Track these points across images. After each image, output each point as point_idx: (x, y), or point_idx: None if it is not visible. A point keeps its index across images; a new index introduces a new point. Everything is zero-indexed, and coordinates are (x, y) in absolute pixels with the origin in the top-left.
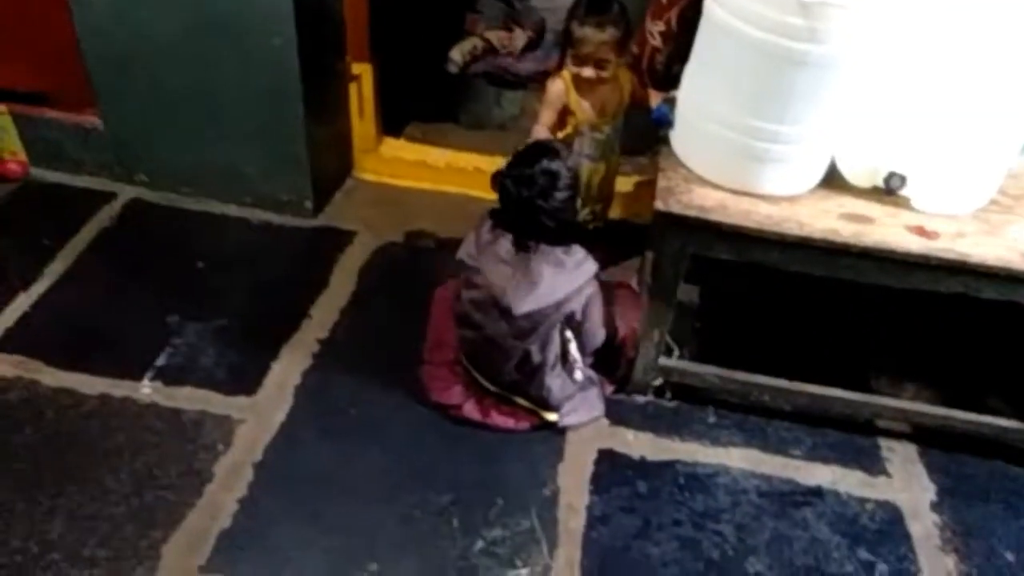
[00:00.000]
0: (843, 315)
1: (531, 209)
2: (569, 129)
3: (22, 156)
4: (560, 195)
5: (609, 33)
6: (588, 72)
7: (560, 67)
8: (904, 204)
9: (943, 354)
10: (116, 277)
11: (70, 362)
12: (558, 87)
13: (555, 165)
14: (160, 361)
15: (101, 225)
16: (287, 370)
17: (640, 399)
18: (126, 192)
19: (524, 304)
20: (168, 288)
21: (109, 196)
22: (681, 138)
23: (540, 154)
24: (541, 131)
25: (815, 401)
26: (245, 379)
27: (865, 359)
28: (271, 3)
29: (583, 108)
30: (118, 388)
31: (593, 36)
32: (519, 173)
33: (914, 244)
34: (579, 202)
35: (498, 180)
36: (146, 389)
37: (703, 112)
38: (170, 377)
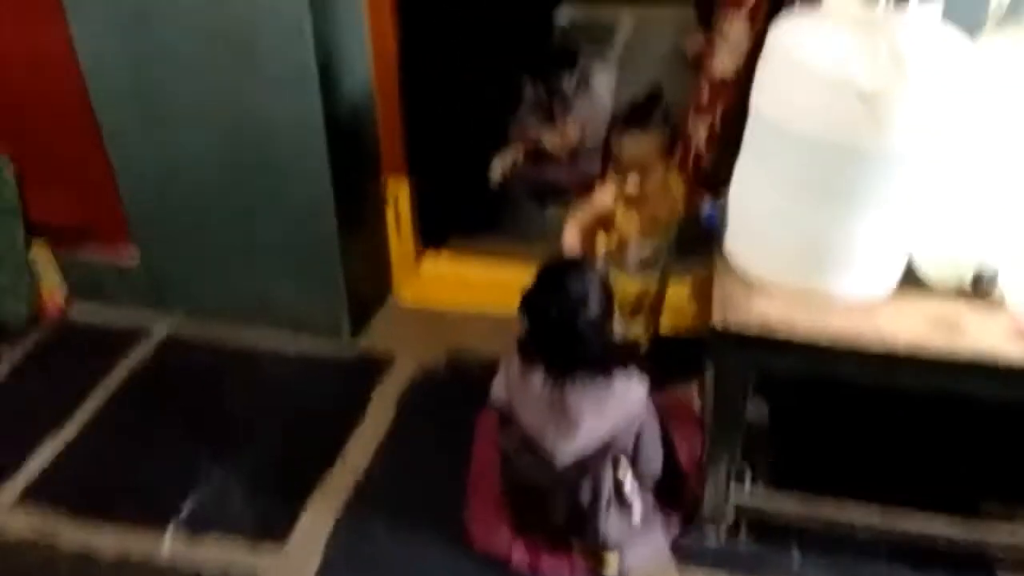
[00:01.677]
0: (938, 429)
1: (563, 333)
2: (611, 245)
3: (61, 293)
4: (592, 313)
5: (649, 142)
6: (633, 184)
7: (604, 175)
8: (997, 305)
9: None
10: (147, 418)
11: (92, 515)
12: (605, 197)
13: (584, 281)
14: (185, 510)
15: (135, 363)
16: (319, 517)
17: (711, 539)
18: (162, 326)
19: (566, 451)
20: (199, 428)
21: (145, 331)
22: (736, 243)
23: (565, 271)
24: (571, 230)
25: (918, 536)
26: (273, 528)
27: (970, 481)
28: (302, 126)
29: (631, 221)
30: (139, 543)
31: (634, 146)
32: (545, 295)
33: (1017, 351)
34: (617, 321)
35: (524, 306)
36: (168, 542)
37: (759, 214)
38: (194, 527)
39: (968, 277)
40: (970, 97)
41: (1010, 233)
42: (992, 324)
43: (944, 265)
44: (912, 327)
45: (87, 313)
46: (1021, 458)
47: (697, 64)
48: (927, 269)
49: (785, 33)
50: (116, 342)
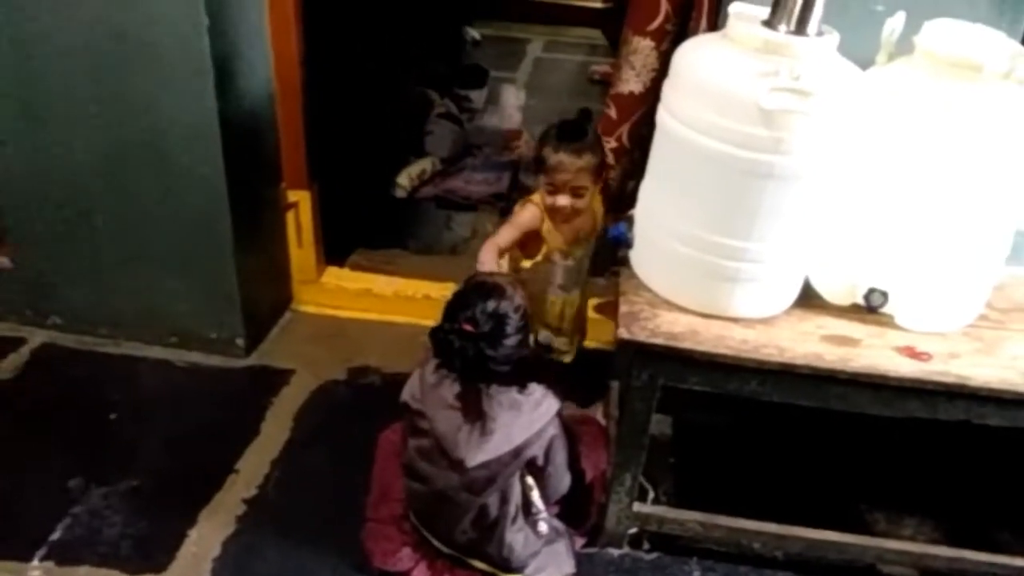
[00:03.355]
0: (831, 444)
1: (479, 359)
2: (539, 258)
3: None
4: (510, 340)
5: (586, 159)
6: (563, 201)
7: (512, 190)
8: (888, 322)
9: (942, 485)
10: (13, 436)
11: None
12: (531, 212)
13: (503, 306)
14: (55, 535)
15: (2, 376)
16: (205, 539)
17: (614, 552)
18: (36, 337)
19: (477, 455)
20: (73, 446)
21: (17, 342)
22: (641, 259)
23: (483, 295)
24: (489, 249)
25: (811, 547)
26: (154, 553)
27: (857, 493)
28: (195, 127)
29: (557, 237)
30: (2, 573)
31: (570, 163)
32: (459, 325)
33: (906, 367)
34: (532, 338)
35: (437, 336)
36: (35, 572)
37: (664, 230)
38: (65, 555)
39: (861, 295)
40: (862, 122)
41: (900, 253)
42: (883, 341)
43: (839, 283)
44: (809, 342)
45: None
46: (910, 471)
47: (605, 83)
48: (823, 286)
49: (690, 53)
50: None
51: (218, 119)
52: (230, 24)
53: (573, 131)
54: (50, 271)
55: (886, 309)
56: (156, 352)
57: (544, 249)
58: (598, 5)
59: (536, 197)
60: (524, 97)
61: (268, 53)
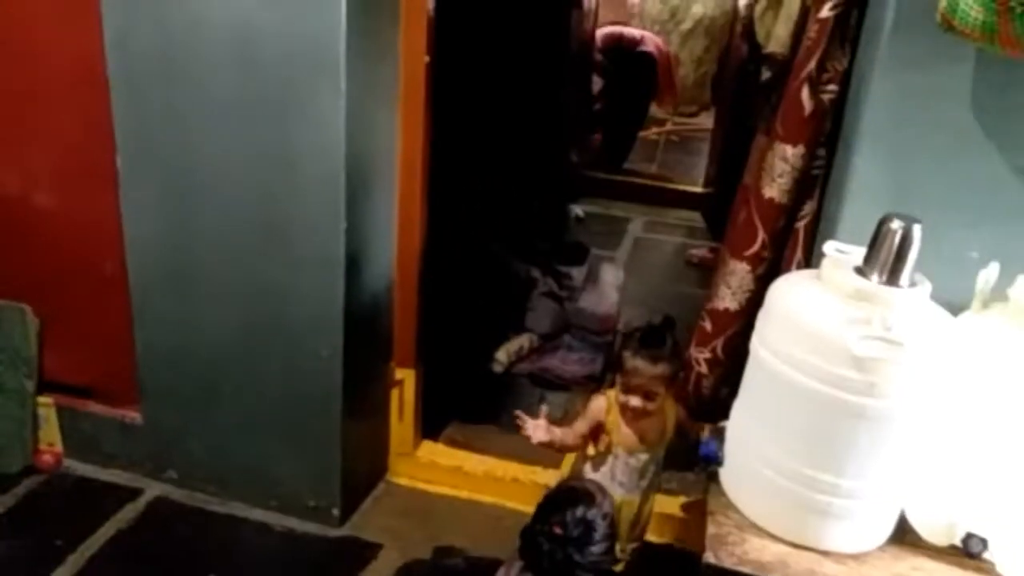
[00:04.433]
0: None
1: (565, 564)
2: (601, 447)
3: (58, 448)
4: (597, 548)
5: (661, 368)
6: (635, 402)
7: (604, 376)
8: (989, 570)
9: None
10: None
11: None
12: (599, 404)
13: (591, 514)
14: None
15: (119, 526)
16: None
17: None
18: (152, 489)
19: None
20: None
21: (135, 493)
22: (732, 479)
23: (573, 501)
24: (542, 431)
25: None
26: None
27: None
28: (321, 314)
29: (622, 432)
30: None
31: (645, 369)
32: (549, 528)
33: None
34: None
35: (526, 536)
36: None
37: (755, 456)
38: None
39: (960, 538)
40: (957, 369)
41: (1000, 502)
42: None
43: (935, 524)
44: None
45: (82, 468)
46: None
47: (701, 266)
48: (920, 524)
49: (784, 291)
50: (105, 501)
51: (343, 306)
52: (364, 224)
53: (653, 339)
54: (174, 429)
55: (986, 555)
56: (257, 514)
57: (606, 441)
58: (698, 190)
59: (611, 392)
60: (622, 277)
61: (393, 247)
